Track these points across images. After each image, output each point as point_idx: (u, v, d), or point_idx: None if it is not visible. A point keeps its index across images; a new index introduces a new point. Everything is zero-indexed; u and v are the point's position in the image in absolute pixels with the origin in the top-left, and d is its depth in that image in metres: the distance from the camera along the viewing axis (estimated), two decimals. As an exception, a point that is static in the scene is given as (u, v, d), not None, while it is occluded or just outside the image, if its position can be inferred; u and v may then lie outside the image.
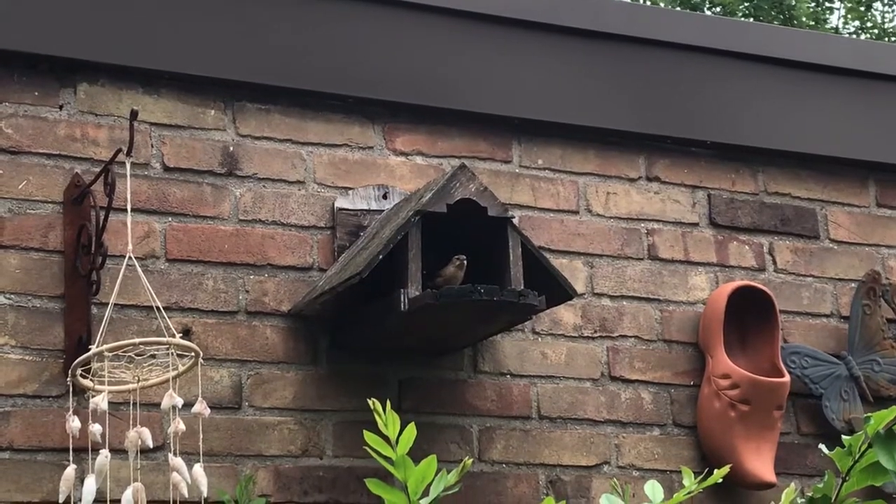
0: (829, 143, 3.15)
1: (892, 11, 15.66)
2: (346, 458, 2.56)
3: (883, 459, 1.73)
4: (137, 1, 2.60)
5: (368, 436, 1.78)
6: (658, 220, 2.97)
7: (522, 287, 2.45)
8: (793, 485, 1.98)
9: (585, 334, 2.84)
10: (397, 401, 2.63)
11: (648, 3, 15.37)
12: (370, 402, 1.79)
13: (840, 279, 3.10)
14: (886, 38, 15.19)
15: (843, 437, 1.83)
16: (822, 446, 1.92)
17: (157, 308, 2.25)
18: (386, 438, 1.79)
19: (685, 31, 3.09)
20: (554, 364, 2.80)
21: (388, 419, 1.77)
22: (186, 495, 2.12)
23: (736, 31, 3.24)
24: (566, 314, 2.82)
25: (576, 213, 2.90)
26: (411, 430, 1.78)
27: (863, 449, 1.79)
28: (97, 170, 2.42)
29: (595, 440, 2.78)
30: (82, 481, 2.12)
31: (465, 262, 2.47)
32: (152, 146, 2.58)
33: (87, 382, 2.19)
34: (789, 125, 3.12)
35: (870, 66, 3.24)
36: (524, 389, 2.76)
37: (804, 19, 14.10)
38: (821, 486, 1.85)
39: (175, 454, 2.14)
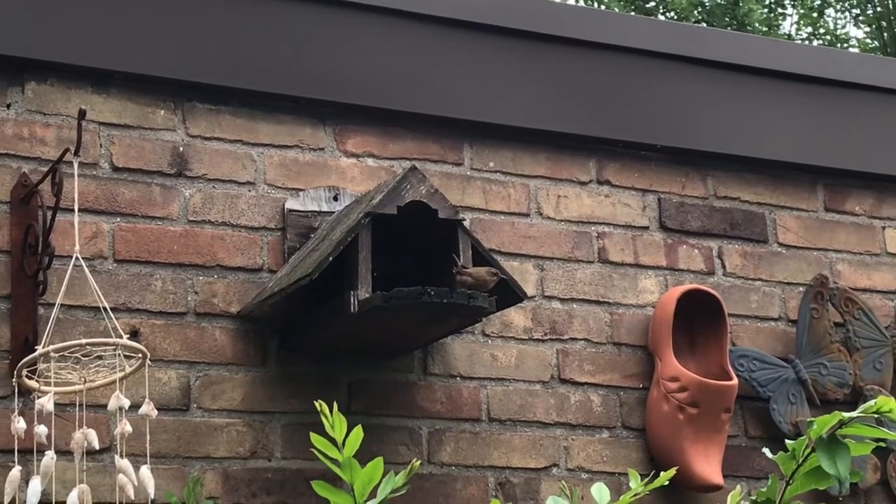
0: (778, 147, 3.17)
1: (845, 18, 15.80)
2: (295, 460, 2.56)
3: (825, 464, 1.74)
4: (87, 0, 2.58)
5: (315, 438, 1.78)
6: (608, 224, 2.98)
7: (472, 288, 2.45)
8: (738, 487, 1.99)
9: (535, 337, 2.85)
10: (347, 402, 2.63)
11: (602, 7, 15.46)
12: (317, 404, 1.79)
13: (788, 283, 3.12)
14: (839, 45, 15.32)
15: (787, 441, 1.84)
16: (765, 450, 1.93)
17: (104, 309, 2.23)
18: (333, 440, 1.79)
19: (637, 36, 3.10)
20: (504, 366, 2.80)
21: (334, 421, 1.77)
22: (133, 497, 2.11)
23: (687, 36, 3.26)
24: (516, 316, 2.82)
25: (527, 215, 2.91)
26: (358, 433, 1.77)
27: (806, 453, 1.80)
28: (45, 169, 2.40)
29: (544, 442, 2.79)
30: (27, 483, 2.10)
31: (499, 277, 2.45)
32: (101, 146, 2.56)
33: (32, 383, 2.17)
34: (739, 130, 3.14)
35: (819, 72, 3.27)
36: (474, 392, 2.76)
37: (757, 25, 14.19)
38: (765, 489, 1.86)
39: (121, 456, 2.13)
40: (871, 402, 1.77)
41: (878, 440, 1.82)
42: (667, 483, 1.96)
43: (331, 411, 1.80)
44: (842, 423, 1.78)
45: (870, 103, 3.30)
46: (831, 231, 3.21)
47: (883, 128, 3.30)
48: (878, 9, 14.85)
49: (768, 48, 3.37)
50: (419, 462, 1.88)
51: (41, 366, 2.15)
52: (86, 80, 2.56)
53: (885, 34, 14.73)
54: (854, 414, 1.76)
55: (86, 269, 2.26)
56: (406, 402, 2.69)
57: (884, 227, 3.26)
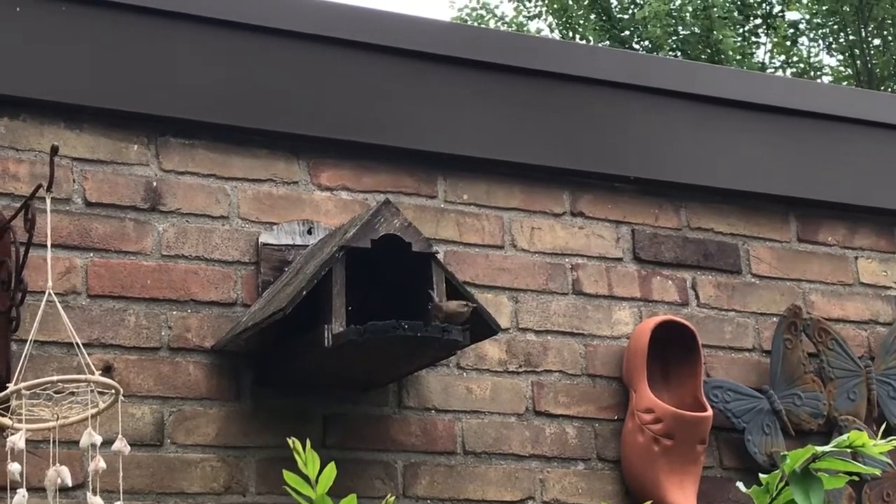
0: (750, 178, 3.19)
1: (818, 46, 15.92)
2: (270, 496, 2.55)
3: (799, 498, 1.74)
4: (59, 36, 2.58)
5: (288, 475, 1.78)
6: (582, 255, 2.99)
7: (446, 323, 2.45)
8: (713, 520, 2.00)
9: (510, 369, 2.85)
10: (321, 437, 2.62)
11: (578, 35, 15.53)
12: (290, 441, 1.78)
13: (762, 314, 3.13)
14: (812, 73, 15.42)
15: (761, 475, 1.84)
16: (739, 484, 1.93)
17: (77, 344, 2.23)
18: (306, 478, 1.78)
19: (609, 68, 3.12)
20: (479, 399, 2.80)
21: (307, 458, 1.76)
22: (106, 534, 2.10)
23: (660, 68, 3.28)
24: (491, 349, 2.83)
25: (501, 248, 2.92)
26: (331, 470, 1.77)
27: (780, 487, 1.80)
28: (17, 205, 2.40)
29: (520, 475, 2.79)
30: (-1, 521, 2.09)
31: (470, 307, 2.45)
32: (74, 181, 2.56)
33: (5, 420, 2.16)
34: (712, 161, 3.16)
35: (791, 103, 3.28)
36: (449, 425, 2.76)
37: (731, 54, 14.28)
38: (739, 522, 1.87)
39: (94, 493, 2.11)
40: (844, 437, 1.78)
41: (851, 474, 1.83)
42: (641, 517, 1.96)
43: (304, 447, 1.79)
44: (815, 457, 1.78)
45: (841, 134, 3.32)
46: (804, 261, 3.22)
47: (854, 158, 3.32)
48: (851, 37, 14.97)
49: (740, 80, 3.39)
50: (393, 498, 1.88)
51: (14, 403, 2.13)
52: (58, 116, 2.56)
53: (858, 62, 14.84)
54: (827, 448, 1.77)
55: (58, 305, 2.25)
56: (381, 436, 2.68)
57: (856, 258, 3.28)
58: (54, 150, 2.21)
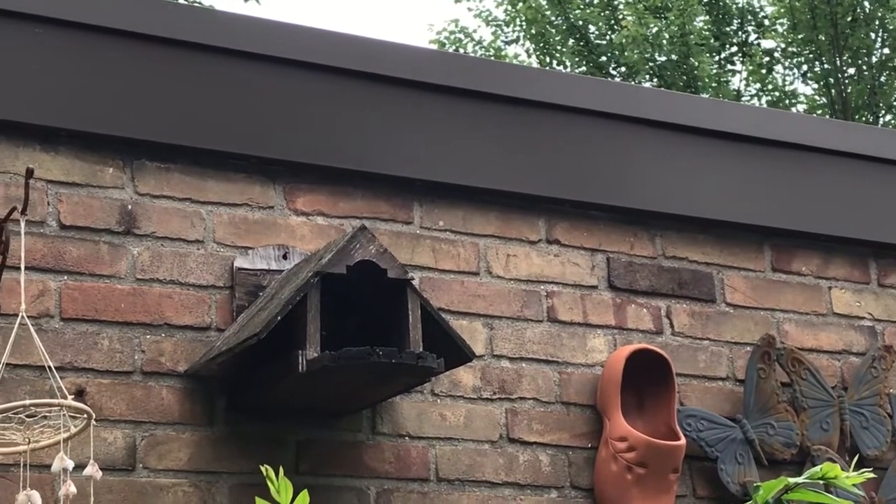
0: (725, 207, 3.20)
1: (793, 75, 16.02)
2: (242, 521, 2.54)
3: (770, 529, 1.75)
4: (34, 58, 2.57)
5: (260, 502, 1.77)
6: (557, 283, 2.99)
7: (421, 349, 2.45)
8: (685, 551, 2.00)
9: (484, 396, 2.84)
10: (294, 462, 2.61)
11: (555, 61, 15.59)
12: (262, 468, 1.78)
13: (736, 343, 3.13)
14: (787, 101, 15.51)
15: (733, 505, 1.85)
16: (711, 514, 1.94)
17: (49, 368, 2.21)
18: (278, 505, 1.78)
19: (586, 97, 3.13)
20: (453, 426, 2.79)
21: (280, 486, 1.76)
22: (76, 560, 2.09)
23: (637, 98, 3.29)
24: (465, 376, 2.82)
25: (476, 274, 2.92)
26: (304, 497, 1.77)
27: (752, 518, 1.81)
28: (-8, 227, 2.39)
29: (493, 502, 2.78)
30: (-32, 546, 2.08)
31: None
32: (49, 204, 2.55)
33: (-25, 444, 2.15)
34: (687, 190, 3.17)
35: (765, 133, 3.30)
36: (422, 451, 2.75)
37: (707, 80, 14.35)
38: (711, 553, 1.87)
39: (65, 518, 2.10)
40: (817, 468, 1.78)
41: (822, 505, 1.83)
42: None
43: (277, 474, 1.79)
44: (787, 489, 1.79)
45: (816, 165, 3.34)
46: (778, 291, 3.23)
47: (829, 189, 3.34)
48: (826, 66, 15.07)
49: (716, 109, 3.41)
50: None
51: (-16, 426, 2.12)
52: (34, 138, 2.55)
53: (833, 91, 14.94)
54: (800, 479, 1.78)
55: (31, 328, 2.24)
56: (354, 462, 2.67)
57: (830, 288, 3.29)
58: (30, 173, 2.21)
